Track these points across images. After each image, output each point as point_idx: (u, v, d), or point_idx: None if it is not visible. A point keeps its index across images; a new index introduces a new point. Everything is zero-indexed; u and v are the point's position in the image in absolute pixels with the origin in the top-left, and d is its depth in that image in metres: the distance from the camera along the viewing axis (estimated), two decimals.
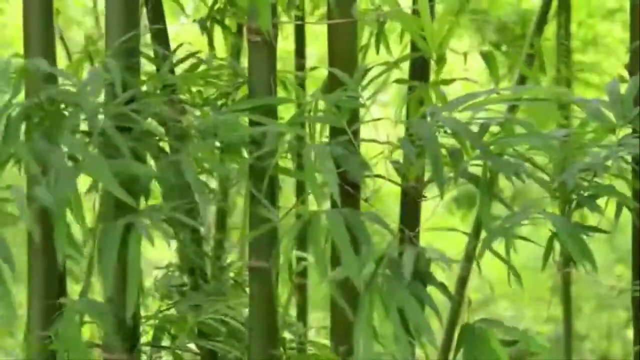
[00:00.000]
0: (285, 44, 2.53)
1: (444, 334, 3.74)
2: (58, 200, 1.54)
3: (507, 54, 1.91)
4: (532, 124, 1.70)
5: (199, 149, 1.71)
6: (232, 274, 2.38)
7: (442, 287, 1.60)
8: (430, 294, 1.57)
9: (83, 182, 1.63)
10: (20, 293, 1.76)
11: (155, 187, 1.74)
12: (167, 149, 1.80)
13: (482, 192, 1.65)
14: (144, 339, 2.00)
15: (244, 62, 2.07)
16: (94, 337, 1.92)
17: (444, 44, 1.78)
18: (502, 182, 1.68)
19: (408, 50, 2.02)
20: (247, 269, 1.96)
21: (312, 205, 1.65)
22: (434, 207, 1.81)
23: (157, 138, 1.76)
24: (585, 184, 1.66)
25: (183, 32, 2.73)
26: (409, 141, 1.70)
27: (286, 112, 1.95)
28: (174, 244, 1.93)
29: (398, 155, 1.81)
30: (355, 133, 1.80)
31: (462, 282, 3.66)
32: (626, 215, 1.70)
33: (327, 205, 1.69)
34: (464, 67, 1.86)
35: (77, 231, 1.63)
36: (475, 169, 1.68)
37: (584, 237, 1.61)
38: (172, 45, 2.21)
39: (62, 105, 1.69)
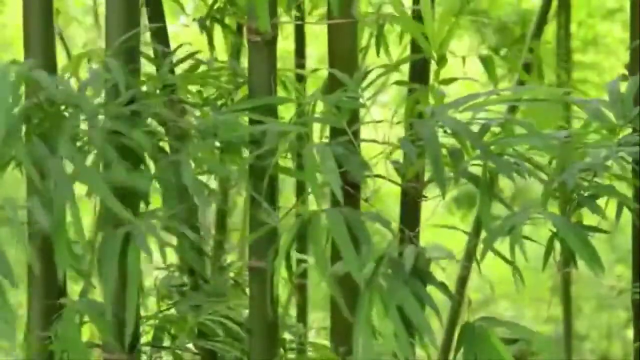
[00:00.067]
0: (285, 44, 2.53)
1: (444, 333, 3.74)
2: (57, 217, 1.52)
3: (505, 58, 1.91)
4: (532, 124, 1.71)
5: (199, 149, 1.71)
6: (232, 274, 2.38)
7: (442, 286, 1.60)
8: (430, 294, 1.57)
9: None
10: (20, 293, 1.75)
11: (155, 186, 1.73)
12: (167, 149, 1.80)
13: (482, 192, 1.65)
14: (144, 339, 2.00)
15: (244, 62, 2.07)
16: (94, 337, 1.92)
17: (445, 44, 1.78)
18: (502, 182, 1.68)
19: (408, 51, 2.02)
20: (247, 269, 1.96)
21: (312, 205, 1.65)
22: (434, 207, 1.81)
23: (157, 138, 1.76)
24: (586, 184, 1.66)
25: (183, 32, 2.72)
26: (409, 141, 1.70)
27: (286, 112, 1.95)
28: (174, 241, 1.93)
29: (398, 155, 1.81)
30: (355, 133, 1.80)
31: (462, 282, 3.66)
32: (626, 215, 1.70)
33: (327, 205, 1.69)
34: (463, 71, 1.86)
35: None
36: (475, 169, 1.68)
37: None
38: (172, 45, 2.22)
39: (62, 107, 1.68)
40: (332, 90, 1.84)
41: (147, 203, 1.73)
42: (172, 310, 2.05)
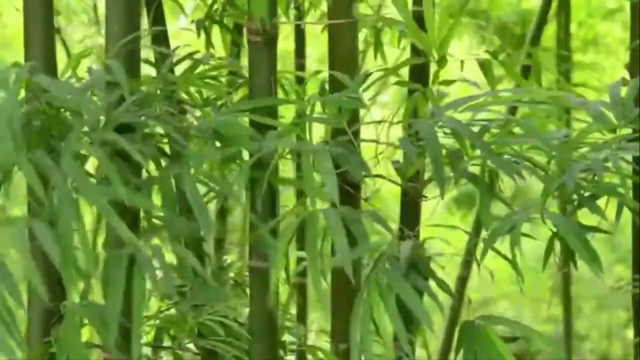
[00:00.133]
0: (285, 44, 2.53)
1: (444, 333, 3.74)
2: (63, 239, 1.51)
3: (503, 63, 1.91)
4: (532, 124, 1.71)
5: (201, 161, 1.70)
6: (232, 274, 2.38)
7: (441, 282, 1.60)
8: (429, 287, 1.58)
9: None
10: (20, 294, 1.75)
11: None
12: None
13: (482, 192, 1.65)
14: (144, 339, 2.00)
15: (243, 62, 2.07)
16: (93, 338, 1.92)
17: (445, 44, 1.78)
18: (502, 182, 1.68)
19: (408, 52, 2.02)
20: (247, 269, 1.96)
21: (314, 204, 1.65)
22: (434, 207, 1.81)
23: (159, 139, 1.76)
24: (585, 184, 1.66)
25: (183, 32, 2.72)
26: (409, 141, 1.70)
27: (286, 112, 1.95)
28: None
29: (398, 155, 1.82)
30: (356, 133, 1.80)
31: (462, 281, 3.66)
32: (626, 215, 1.70)
33: (327, 205, 1.68)
34: (462, 75, 1.86)
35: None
36: (475, 169, 1.68)
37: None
38: (172, 45, 2.22)
39: (62, 110, 1.68)
40: (333, 90, 1.84)
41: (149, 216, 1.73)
42: (172, 310, 2.05)
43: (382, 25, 2.38)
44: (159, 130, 1.77)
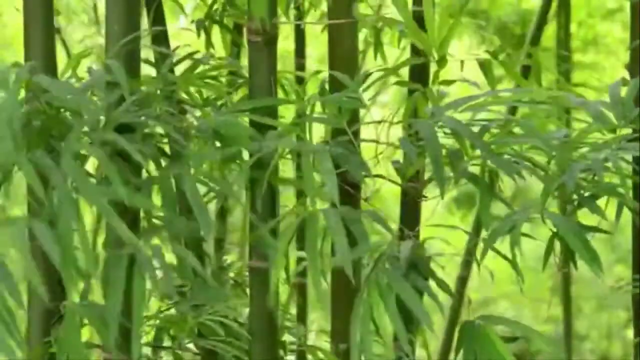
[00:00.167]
0: (285, 44, 2.53)
1: (444, 333, 3.74)
2: (63, 239, 1.51)
3: (503, 63, 1.91)
4: (532, 124, 1.71)
5: (201, 161, 1.70)
6: (232, 274, 2.38)
7: (441, 282, 1.60)
8: (429, 286, 1.57)
9: None
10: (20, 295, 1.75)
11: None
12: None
13: (482, 192, 1.65)
14: (144, 339, 2.00)
15: (244, 62, 2.07)
16: (93, 338, 1.92)
17: (445, 44, 1.78)
18: (503, 182, 1.68)
19: (408, 52, 2.02)
20: (247, 269, 1.96)
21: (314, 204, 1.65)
22: (434, 207, 1.81)
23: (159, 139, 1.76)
24: (586, 184, 1.66)
25: (183, 32, 2.72)
26: (408, 141, 1.70)
27: (286, 111, 1.95)
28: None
29: (398, 155, 1.81)
30: (356, 133, 1.80)
31: (463, 281, 3.66)
32: (626, 215, 1.70)
33: (327, 205, 1.68)
34: (462, 75, 1.86)
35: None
36: (475, 169, 1.68)
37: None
38: (171, 45, 2.22)
39: (62, 110, 1.68)
40: (333, 90, 1.84)
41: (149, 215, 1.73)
42: (172, 310, 2.05)
43: (382, 25, 2.38)
44: (159, 130, 1.77)
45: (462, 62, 1.89)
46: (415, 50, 1.90)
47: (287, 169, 1.84)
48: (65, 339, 1.63)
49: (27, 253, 1.49)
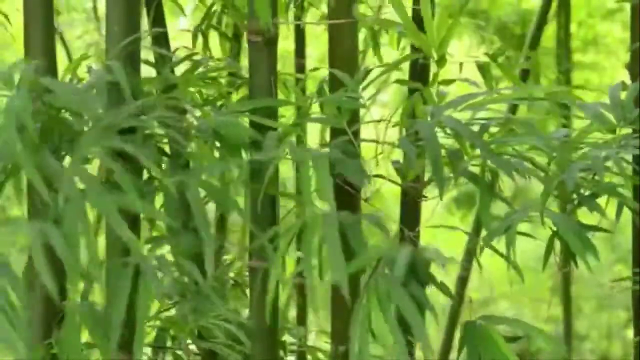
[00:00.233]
0: (285, 44, 2.53)
1: (444, 333, 3.74)
2: (69, 238, 1.51)
3: (501, 66, 1.91)
4: (532, 124, 1.71)
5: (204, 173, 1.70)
6: (232, 274, 2.38)
7: (441, 286, 1.60)
8: (429, 295, 1.57)
9: None
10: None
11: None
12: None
13: (482, 192, 1.65)
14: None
15: (244, 62, 2.07)
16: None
17: (445, 44, 1.78)
18: (503, 181, 1.68)
19: (408, 51, 2.02)
20: (247, 270, 1.96)
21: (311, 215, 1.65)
22: (434, 207, 1.81)
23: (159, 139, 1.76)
24: (586, 183, 1.66)
25: (182, 32, 2.72)
26: (408, 141, 1.70)
27: (286, 111, 1.95)
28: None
29: (398, 155, 1.81)
30: (355, 133, 1.80)
31: (463, 281, 3.66)
32: (626, 215, 1.70)
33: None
34: (461, 75, 1.86)
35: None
36: (475, 169, 1.68)
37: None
38: (171, 46, 2.22)
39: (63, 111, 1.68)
40: (333, 90, 1.84)
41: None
42: (172, 311, 2.05)
43: (380, 27, 2.38)
44: (159, 131, 1.77)
45: (461, 64, 1.89)
46: (415, 51, 1.89)
47: (286, 167, 1.84)
48: (65, 339, 1.63)
49: (37, 253, 1.50)
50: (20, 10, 1.87)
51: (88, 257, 1.51)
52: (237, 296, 2.29)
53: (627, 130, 1.73)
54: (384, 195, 1.95)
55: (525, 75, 2.63)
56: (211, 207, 1.97)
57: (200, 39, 2.46)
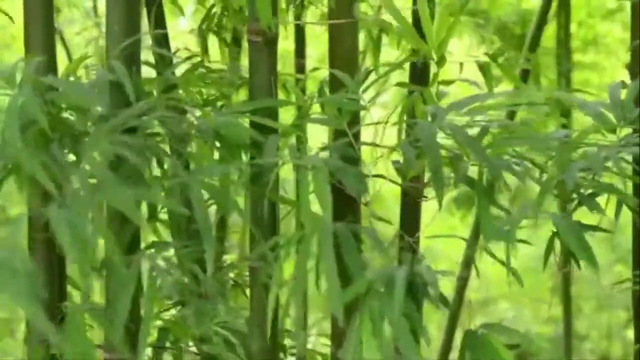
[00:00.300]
0: (285, 44, 2.53)
1: (445, 333, 3.74)
2: (78, 229, 1.50)
3: (501, 66, 1.91)
4: (532, 125, 1.71)
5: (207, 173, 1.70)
6: (232, 275, 2.38)
7: (440, 299, 1.59)
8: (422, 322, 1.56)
9: None
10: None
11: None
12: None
13: (480, 197, 1.65)
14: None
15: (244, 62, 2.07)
16: (93, 338, 1.92)
17: (444, 44, 1.77)
18: (504, 181, 1.67)
19: (409, 50, 2.02)
20: (247, 270, 1.96)
21: (315, 203, 1.65)
22: (434, 208, 1.81)
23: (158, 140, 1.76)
24: (586, 183, 1.66)
25: (182, 32, 2.73)
26: (408, 143, 1.70)
27: (286, 111, 1.95)
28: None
29: (398, 154, 1.81)
30: (356, 134, 1.80)
31: (463, 281, 3.66)
32: (626, 215, 1.70)
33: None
34: (462, 74, 1.86)
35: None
36: (475, 170, 1.68)
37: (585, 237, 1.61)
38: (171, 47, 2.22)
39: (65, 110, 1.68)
40: (333, 90, 1.84)
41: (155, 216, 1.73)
42: (172, 311, 2.05)
43: (380, 30, 2.38)
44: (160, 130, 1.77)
45: (461, 64, 1.89)
46: (415, 51, 1.89)
47: (286, 168, 1.84)
48: (69, 338, 1.63)
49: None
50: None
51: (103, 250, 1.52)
52: (238, 296, 2.29)
53: (628, 130, 1.72)
54: (384, 194, 1.94)
55: (525, 75, 2.63)
56: (211, 209, 1.97)
57: (200, 40, 2.46)
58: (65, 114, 1.70)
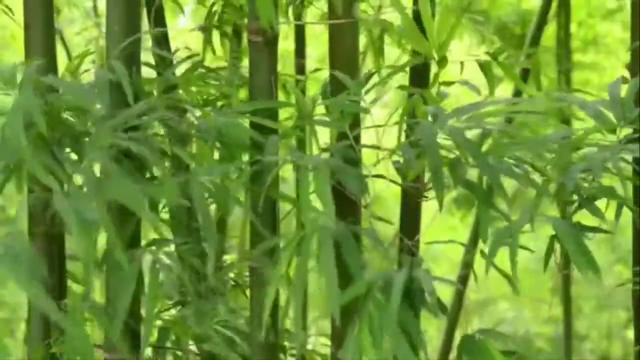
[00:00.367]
0: (285, 44, 2.53)
1: (444, 334, 3.74)
2: (84, 218, 1.51)
3: (502, 64, 1.91)
4: (532, 125, 1.71)
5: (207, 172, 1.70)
6: (232, 275, 2.38)
7: (438, 306, 1.58)
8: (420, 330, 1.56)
9: None
10: (21, 294, 1.75)
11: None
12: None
13: (480, 202, 1.64)
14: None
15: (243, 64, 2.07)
16: (93, 338, 1.92)
17: (445, 45, 1.77)
18: (504, 182, 1.67)
19: (409, 49, 2.01)
20: (247, 270, 1.96)
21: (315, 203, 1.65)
22: (434, 208, 1.81)
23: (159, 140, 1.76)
24: (586, 185, 1.66)
25: (181, 32, 2.73)
26: (409, 144, 1.70)
27: (286, 111, 1.95)
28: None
29: (399, 156, 1.81)
30: (357, 135, 1.80)
31: (463, 281, 3.66)
32: (626, 215, 1.70)
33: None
34: (462, 72, 1.86)
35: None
36: (475, 172, 1.68)
37: (585, 237, 1.60)
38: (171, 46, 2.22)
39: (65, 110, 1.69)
40: (334, 90, 1.83)
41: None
42: (173, 311, 2.05)
43: (382, 30, 2.38)
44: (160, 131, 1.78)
45: (462, 63, 1.89)
46: (416, 52, 1.89)
47: (287, 168, 1.84)
48: (70, 336, 1.63)
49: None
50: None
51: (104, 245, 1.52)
52: (237, 296, 2.29)
53: (628, 130, 1.72)
54: (385, 195, 1.94)
55: (525, 74, 2.62)
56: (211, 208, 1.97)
57: (201, 40, 2.46)
58: (66, 114, 1.71)
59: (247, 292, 2.04)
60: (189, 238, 1.83)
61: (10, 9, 2.22)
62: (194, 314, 1.89)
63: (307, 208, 1.57)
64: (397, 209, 2.03)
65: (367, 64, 2.69)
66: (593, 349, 6.23)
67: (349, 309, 1.56)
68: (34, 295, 1.44)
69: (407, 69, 2.06)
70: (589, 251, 1.59)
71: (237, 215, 3.52)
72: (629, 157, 1.67)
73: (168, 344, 2.03)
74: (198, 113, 1.82)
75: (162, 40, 2.19)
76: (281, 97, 2.05)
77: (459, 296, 3.68)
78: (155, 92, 1.84)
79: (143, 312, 1.86)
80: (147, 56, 2.03)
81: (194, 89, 1.98)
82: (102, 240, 1.67)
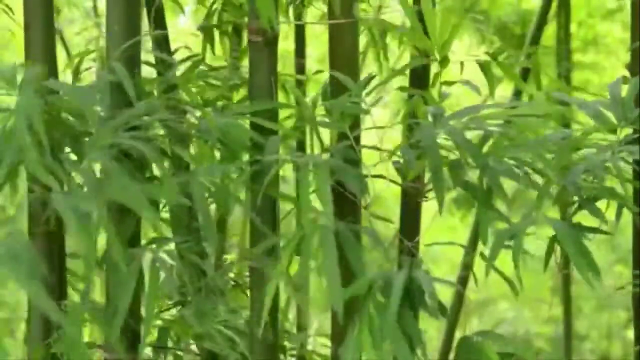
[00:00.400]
0: (285, 44, 2.53)
1: (444, 334, 3.74)
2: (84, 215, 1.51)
3: (502, 64, 1.90)
4: (531, 125, 1.71)
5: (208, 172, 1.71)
6: (232, 275, 2.38)
7: (437, 308, 1.58)
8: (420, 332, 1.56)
9: None
10: (21, 294, 1.75)
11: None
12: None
13: (480, 204, 1.64)
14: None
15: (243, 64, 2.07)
16: (93, 338, 1.92)
17: (447, 45, 1.77)
18: (504, 183, 1.67)
19: (409, 49, 2.01)
20: (247, 270, 1.96)
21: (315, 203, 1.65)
22: (434, 207, 1.81)
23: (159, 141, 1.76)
24: (586, 185, 1.66)
25: (181, 32, 2.72)
26: (409, 145, 1.70)
27: (286, 111, 1.95)
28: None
29: (399, 156, 1.81)
30: (357, 136, 1.80)
31: (463, 281, 3.66)
32: (626, 215, 1.70)
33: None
34: (463, 71, 1.86)
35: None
36: (475, 172, 1.68)
37: (585, 238, 1.60)
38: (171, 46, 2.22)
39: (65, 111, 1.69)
40: (334, 91, 1.83)
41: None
42: (173, 310, 2.05)
43: (382, 30, 2.38)
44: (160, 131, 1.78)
45: (462, 63, 1.89)
46: (416, 50, 1.89)
47: (287, 167, 1.84)
48: (67, 337, 1.63)
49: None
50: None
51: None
52: (237, 296, 2.29)
53: (628, 130, 1.72)
54: (385, 195, 1.94)
55: (525, 74, 2.62)
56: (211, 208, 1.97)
57: (204, 36, 2.46)
58: (66, 115, 1.71)
59: (247, 291, 2.04)
60: (189, 237, 1.83)
61: (10, 9, 2.22)
62: (194, 313, 1.89)
63: (307, 208, 1.57)
64: (397, 209, 2.03)
65: (368, 64, 2.69)
66: (593, 349, 6.23)
67: (349, 309, 1.56)
68: (34, 294, 1.45)
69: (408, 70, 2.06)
70: (589, 253, 1.59)
71: (237, 215, 3.52)
72: (629, 158, 1.67)
73: (168, 344, 2.04)
74: (198, 113, 1.82)
75: (162, 41, 2.19)
76: (281, 97, 2.06)
77: (459, 296, 3.67)
78: (155, 92, 1.84)
79: (143, 311, 1.86)
80: (147, 55, 2.03)
81: (194, 89, 1.98)
82: (102, 240, 1.67)
